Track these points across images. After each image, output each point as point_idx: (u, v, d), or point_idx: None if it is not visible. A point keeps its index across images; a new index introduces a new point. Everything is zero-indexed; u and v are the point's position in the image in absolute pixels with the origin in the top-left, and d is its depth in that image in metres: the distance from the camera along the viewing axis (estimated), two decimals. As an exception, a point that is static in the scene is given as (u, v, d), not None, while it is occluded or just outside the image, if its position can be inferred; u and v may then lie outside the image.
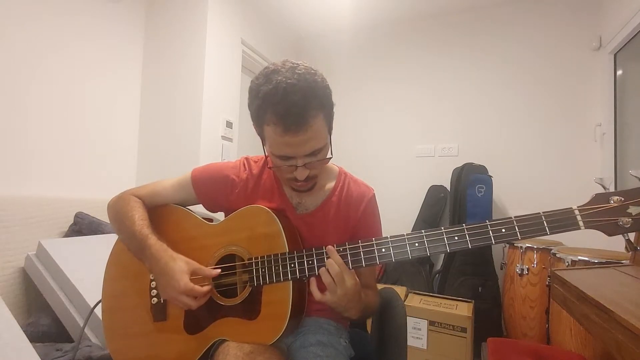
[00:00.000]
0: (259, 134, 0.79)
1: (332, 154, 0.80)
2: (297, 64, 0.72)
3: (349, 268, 0.73)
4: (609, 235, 0.62)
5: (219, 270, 0.78)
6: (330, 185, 0.90)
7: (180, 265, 0.75)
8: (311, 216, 0.87)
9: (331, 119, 0.78)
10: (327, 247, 0.74)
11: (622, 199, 0.62)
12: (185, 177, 0.91)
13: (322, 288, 0.73)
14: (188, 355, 0.79)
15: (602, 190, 0.65)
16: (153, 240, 0.79)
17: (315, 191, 0.89)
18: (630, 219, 0.61)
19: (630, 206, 0.61)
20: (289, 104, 0.67)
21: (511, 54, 2.51)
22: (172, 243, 0.82)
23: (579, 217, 0.63)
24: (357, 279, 0.73)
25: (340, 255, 0.73)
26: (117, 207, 0.88)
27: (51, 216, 1.55)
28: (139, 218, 0.83)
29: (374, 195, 0.92)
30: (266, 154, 0.80)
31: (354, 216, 0.88)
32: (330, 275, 0.71)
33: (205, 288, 0.75)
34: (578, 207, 0.64)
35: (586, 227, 0.62)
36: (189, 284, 0.73)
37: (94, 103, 1.89)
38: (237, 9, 2.34)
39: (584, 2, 2.32)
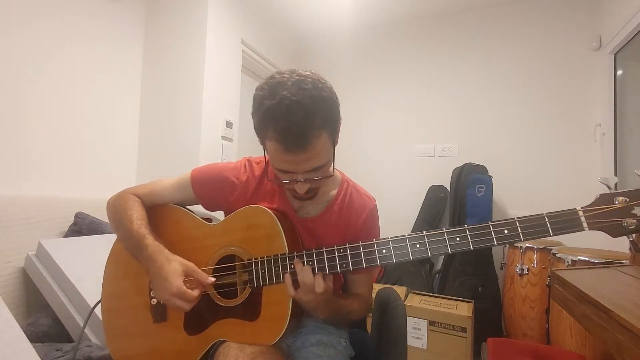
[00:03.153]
0: (260, 143, 0.78)
1: (334, 171, 0.79)
2: (304, 76, 0.69)
3: (350, 269, 0.73)
4: (613, 236, 0.61)
5: (214, 279, 0.78)
6: (333, 192, 0.90)
7: (174, 267, 0.74)
8: (312, 222, 0.87)
9: (336, 133, 0.76)
10: (294, 261, 0.74)
11: (627, 199, 0.61)
12: (185, 177, 0.91)
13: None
14: (188, 356, 0.79)
15: (606, 191, 0.64)
16: (150, 240, 0.79)
17: (317, 197, 0.88)
18: (635, 220, 0.60)
19: (635, 207, 0.60)
20: (291, 124, 0.65)
21: (511, 54, 2.51)
22: (171, 243, 0.82)
23: (583, 219, 0.62)
24: (329, 282, 0.73)
25: (340, 255, 0.73)
26: (116, 206, 0.88)
27: (51, 216, 1.55)
28: (137, 217, 0.83)
29: (375, 206, 0.92)
30: (267, 161, 0.79)
31: (354, 226, 0.88)
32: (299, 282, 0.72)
33: (196, 292, 0.74)
34: (582, 207, 0.63)
35: (590, 229, 0.61)
36: (181, 287, 0.72)
37: (94, 103, 1.89)
38: (237, 9, 2.34)
39: (584, 2, 2.32)
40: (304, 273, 0.72)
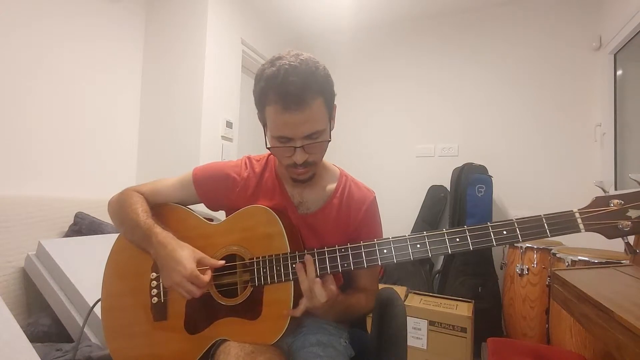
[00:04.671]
0: (260, 119, 0.80)
1: (330, 137, 0.81)
2: (302, 52, 0.75)
3: (351, 268, 0.73)
4: (609, 238, 0.63)
5: (223, 262, 0.79)
6: (332, 187, 0.90)
7: (187, 252, 0.77)
8: (312, 217, 0.87)
9: (332, 106, 0.80)
10: (306, 257, 0.74)
11: (622, 202, 0.62)
12: (187, 176, 0.92)
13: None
14: (188, 355, 0.79)
15: (602, 193, 0.65)
16: (159, 229, 0.81)
17: (316, 190, 0.89)
18: (629, 222, 0.61)
19: (629, 209, 0.61)
20: (289, 84, 0.70)
21: (511, 54, 2.51)
22: (173, 242, 0.82)
23: (579, 220, 0.63)
24: (333, 287, 0.73)
25: (341, 255, 0.74)
26: (120, 202, 0.89)
27: (51, 216, 1.55)
28: (142, 210, 0.85)
29: (374, 198, 0.92)
30: (267, 138, 0.80)
31: (355, 219, 0.88)
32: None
33: (207, 277, 0.75)
34: (578, 209, 0.64)
35: (586, 230, 0.63)
36: (195, 270, 0.74)
37: (94, 103, 1.89)
38: (237, 9, 2.34)
39: (584, 2, 2.32)
40: (303, 284, 0.72)
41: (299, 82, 0.70)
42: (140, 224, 0.82)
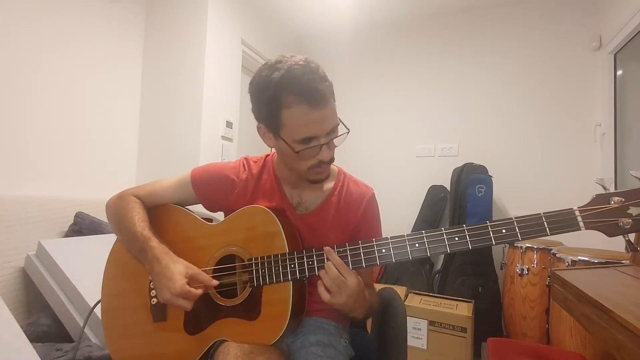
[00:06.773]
0: (271, 129, 0.77)
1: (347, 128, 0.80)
2: (294, 55, 0.74)
3: (350, 268, 0.73)
4: (609, 236, 0.62)
5: (217, 282, 0.78)
6: (330, 185, 0.90)
7: (179, 268, 0.74)
8: (311, 216, 0.87)
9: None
10: (324, 248, 0.74)
11: (623, 199, 0.61)
12: (185, 177, 0.91)
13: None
14: (188, 355, 0.79)
15: (602, 191, 0.64)
16: (155, 242, 0.79)
17: (315, 189, 0.89)
18: (630, 220, 0.60)
19: (630, 207, 0.60)
20: (310, 81, 0.69)
21: (511, 54, 2.51)
22: (172, 243, 0.82)
23: (579, 218, 0.62)
24: (359, 278, 0.73)
25: (340, 256, 0.73)
26: (117, 208, 0.88)
27: (51, 216, 1.55)
28: (139, 220, 0.83)
29: (373, 194, 0.92)
30: (287, 144, 0.75)
31: (354, 216, 0.88)
32: (330, 279, 0.71)
33: (199, 291, 0.74)
34: (578, 207, 0.63)
35: (586, 228, 0.62)
36: (184, 286, 0.72)
37: (94, 103, 1.89)
38: (237, 9, 2.34)
39: (584, 2, 2.32)
40: (331, 271, 0.72)
41: (316, 77, 0.70)
42: (137, 235, 0.80)
